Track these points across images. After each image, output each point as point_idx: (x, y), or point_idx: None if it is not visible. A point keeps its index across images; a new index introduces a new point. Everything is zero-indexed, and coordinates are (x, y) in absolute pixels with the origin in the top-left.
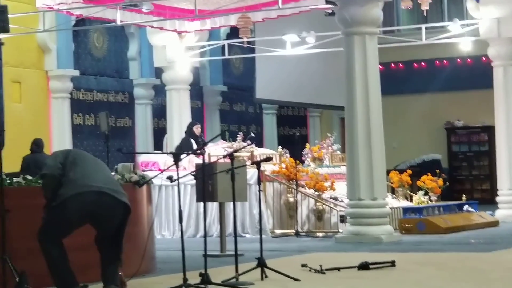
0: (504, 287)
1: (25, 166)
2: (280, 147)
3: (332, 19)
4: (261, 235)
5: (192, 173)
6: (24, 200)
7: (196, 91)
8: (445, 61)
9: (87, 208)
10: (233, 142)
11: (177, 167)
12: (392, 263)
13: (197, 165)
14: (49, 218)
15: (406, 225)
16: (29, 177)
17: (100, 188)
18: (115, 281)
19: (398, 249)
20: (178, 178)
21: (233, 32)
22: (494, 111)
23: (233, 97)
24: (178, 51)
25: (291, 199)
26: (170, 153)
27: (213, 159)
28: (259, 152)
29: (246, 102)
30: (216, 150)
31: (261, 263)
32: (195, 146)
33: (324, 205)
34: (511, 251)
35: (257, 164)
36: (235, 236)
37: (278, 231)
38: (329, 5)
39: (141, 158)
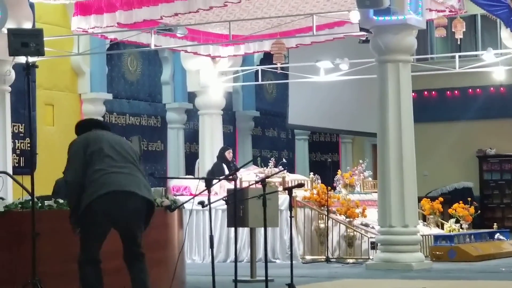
0: None
1: (57, 189)
2: (311, 173)
3: (366, 46)
4: (291, 261)
5: (224, 198)
6: (55, 224)
7: (229, 116)
8: (478, 90)
9: (111, 210)
10: (265, 168)
11: (209, 192)
12: None
13: (229, 190)
14: (81, 230)
15: (437, 252)
16: (61, 201)
17: (122, 187)
18: None
19: (429, 277)
20: (210, 203)
21: (267, 58)
22: None
23: (265, 122)
24: (211, 76)
25: (322, 225)
26: (202, 178)
27: (244, 185)
28: (291, 178)
29: (279, 128)
30: (248, 176)
31: None
32: (227, 171)
33: (355, 232)
34: None
35: (289, 190)
36: (266, 261)
37: (308, 257)
38: (363, 32)
39: (172, 183)
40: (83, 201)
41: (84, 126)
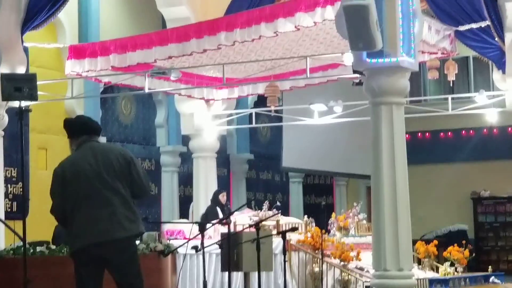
0: None
1: (57, 234)
2: (306, 216)
3: (359, 89)
4: None
5: (217, 243)
6: (47, 270)
7: (223, 159)
8: (471, 131)
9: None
10: (259, 211)
11: (202, 236)
12: None
13: (223, 234)
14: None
15: None
16: (53, 247)
17: (100, 239)
18: None
19: None
20: (203, 247)
21: (261, 100)
22: None
23: (259, 165)
24: (205, 119)
25: (317, 269)
26: (195, 222)
27: (239, 228)
28: (285, 221)
29: (273, 171)
30: (242, 219)
31: None
32: (220, 215)
33: (349, 276)
34: None
35: (283, 234)
36: None
37: None
38: (356, 75)
39: (166, 227)
40: (68, 243)
41: (73, 130)
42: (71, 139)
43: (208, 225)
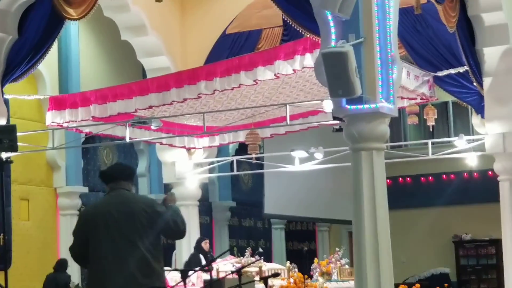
0: None
1: (46, 284)
2: (288, 261)
3: (339, 135)
4: None
5: None
6: None
7: (205, 207)
8: (452, 175)
9: None
10: (241, 258)
11: (185, 284)
12: None
13: (205, 281)
14: None
15: None
16: None
17: None
18: None
19: None
20: None
21: (242, 148)
22: (501, 225)
23: (242, 212)
24: (187, 167)
25: None
26: (178, 269)
27: (221, 275)
28: (268, 267)
29: (255, 217)
30: (225, 266)
31: None
32: (204, 262)
33: None
34: None
35: (265, 279)
36: None
37: None
38: (336, 121)
39: None
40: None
41: (104, 178)
42: (106, 187)
43: (190, 272)
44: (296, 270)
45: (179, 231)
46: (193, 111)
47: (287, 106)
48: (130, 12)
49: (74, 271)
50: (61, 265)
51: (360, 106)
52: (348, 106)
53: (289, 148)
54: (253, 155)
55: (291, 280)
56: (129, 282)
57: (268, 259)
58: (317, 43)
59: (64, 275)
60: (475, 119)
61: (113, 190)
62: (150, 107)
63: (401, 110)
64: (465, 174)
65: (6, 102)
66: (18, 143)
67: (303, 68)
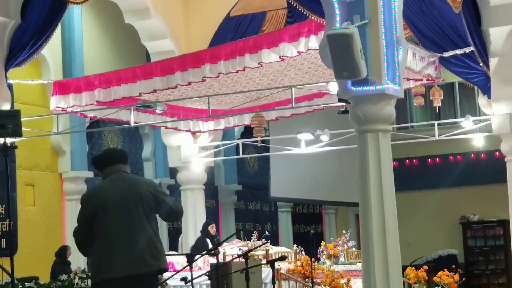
0: None
1: (55, 269)
2: (295, 245)
3: (345, 117)
4: None
5: (207, 274)
6: None
7: (211, 191)
8: (458, 157)
9: None
10: (248, 241)
11: (191, 268)
12: None
13: (212, 265)
14: None
15: None
16: (41, 282)
17: (127, 272)
18: None
19: None
20: (192, 279)
21: (247, 131)
22: (508, 206)
23: (248, 196)
24: (192, 151)
25: None
26: (184, 254)
27: (228, 259)
28: (274, 251)
29: (261, 201)
30: (231, 250)
31: None
32: (210, 246)
33: None
34: None
35: (272, 263)
36: None
37: None
38: (342, 103)
39: None
40: (91, 273)
41: (97, 165)
42: (100, 172)
43: (197, 256)
44: (303, 253)
45: (180, 212)
46: (197, 94)
47: (292, 88)
48: None
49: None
50: (60, 253)
51: (365, 88)
52: (353, 88)
53: (294, 130)
54: (259, 138)
55: (298, 263)
56: (138, 263)
57: (275, 242)
58: (321, 25)
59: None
60: (481, 100)
61: (112, 173)
62: (155, 90)
63: (407, 92)
64: (472, 155)
65: (10, 87)
66: (23, 128)
67: (308, 50)
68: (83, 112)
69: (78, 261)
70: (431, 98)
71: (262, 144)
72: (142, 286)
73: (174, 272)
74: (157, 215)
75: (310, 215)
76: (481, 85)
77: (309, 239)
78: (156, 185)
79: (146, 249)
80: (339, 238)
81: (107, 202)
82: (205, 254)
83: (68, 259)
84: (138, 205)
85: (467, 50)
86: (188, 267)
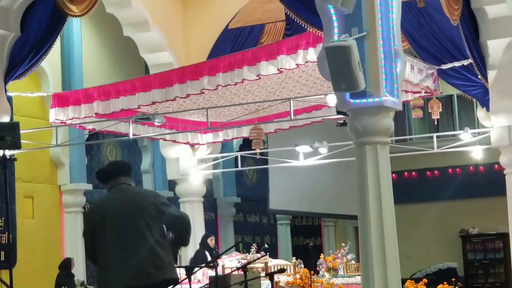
0: None
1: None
2: (294, 257)
3: (344, 129)
4: None
5: (206, 286)
6: None
7: (210, 203)
8: (457, 169)
9: None
10: (247, 254)
11: (189, 280)
12: None
13: (211, 278)
14: None
15: None
16: None
17: (126, 284)
18: None
19: None
20: None
21: (246, 143)
22: (508, 218)
23: (246, 208)
24: (191, 164)
25: None
26: (183, 266)
27: (227, 271)
28: (273, 263)
29: (260, 213)
30: (230, 262)
31: None
32: (209, 259)
33: None
34: None
35: (271, 275)
36: None
37: None
38: (340, 116)
39: None
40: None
41: (101, 179)
42: (105, 185)
43: (196, 269)
44: (302, 265)
45: (185, 218)
46: (196, 106)
47: (291, 100)
48: (132, 8)
49: (80, 268)
50: (64, 265)
51: (364, 100)
52: (352, 100)
53: (293, 143)
54: (257, 151)
55: (297, 276)
56: (139, 274)
57: (274, 255)
58: (320, 37)
59: (68, 275)
60: (480, 112)
61: (115, 186)
62: (153, 103)
63: (405, 104)
64: (471, 167)
65: (9, 99)
66: (22, 141)
67: (306, 62)
68: (82, 125)
69: (77, 273)
70: (429, 111)
71: (260, 156)
72: None
73: (173, 285)
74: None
75: (309, 227)
76: (480, 98)
77: (308, 252)
78: (159, 195)
79: (147, 260)
80: (338, 250)
81: (105, 216)
82: (204, 266)
83: (72, 271)
84: (138, 217)
85: (465, 62)
86: (187, 280)
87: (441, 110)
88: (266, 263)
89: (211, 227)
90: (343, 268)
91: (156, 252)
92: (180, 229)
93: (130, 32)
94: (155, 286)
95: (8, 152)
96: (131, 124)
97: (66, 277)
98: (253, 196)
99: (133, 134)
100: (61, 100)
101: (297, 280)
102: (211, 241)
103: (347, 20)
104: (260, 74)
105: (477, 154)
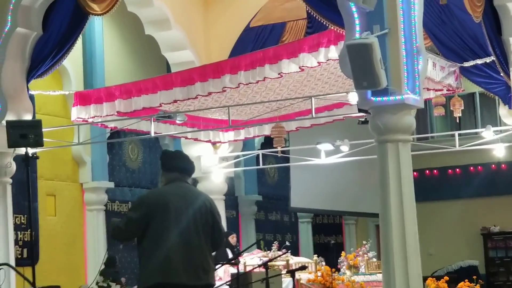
0: None
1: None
2: (315, 255)
3: (365, 127)
4: None
5: (227, 283)
6: None
7: (231, 201)
8: (479, 167)
9: None
10: (268, 251)
11: None
12: None
13: (232, 275)
14: None
15: None
16: None
17: (183, 280)
18: None
19: None
20: None
21: (267, 142)
22: None
23: (268, 206)
24: (212, 162)
25: None
26: None
27: (248, 269)
28: (295, 261)
29: (281, 211)
30: (252, 260)
31: None
32: (230, 256)
33: None
34: None
35: (292, 272)
36: None
37: None
38: (362, 113)
39: None
40: (141, 275)
41: (167, 164)
42: (162, 171)
43: (217, 266)
44: (323, 263)
45: (222, 241)
46: (217, 104)
47: (312, 98)
48: (153, 7)
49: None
50: (109, 261)
51: (385, 98)
52: (373, 98)
53: (314, 141)
54: (279, 149)
55: (318, 273)
56: (193, 274)
57: (295, 253)
58: (341, 35)
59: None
60: (502, 110)
61: (176, 180)
62: (175, 101)
63: (427, 102)
64: (493, 165)
65: (32, 98)
66: (44, 139)
67: (328, 60)
68: (104, 123)
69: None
70: (451, 108)
71: (282, 154)
72: None
73: None
74: None
75: (330, 225)
76: (502, 95)
77: (329, 250)
78: (214, 203)
79: (199, 262)
80: (359, 248)
81: (168, 206)
82: (226, 264)
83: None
84: (198, 217)
85: (487, 59)
86: None
87: (463, 108)
88: (287, 261)
89: (233, 225)
90: (364, 266)
91: (206, 256)
92: (218, 245)
93: (151, 30)
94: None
95: (30, 150)
96: (152, 122)
97: (113, 274)
98: (275, 194)
99: (155, 132)
100: (83, 99)
101: (318, 277)
102: (232, 239)
103: (368, 18)
104: (281, 72)
105: (499, 152)
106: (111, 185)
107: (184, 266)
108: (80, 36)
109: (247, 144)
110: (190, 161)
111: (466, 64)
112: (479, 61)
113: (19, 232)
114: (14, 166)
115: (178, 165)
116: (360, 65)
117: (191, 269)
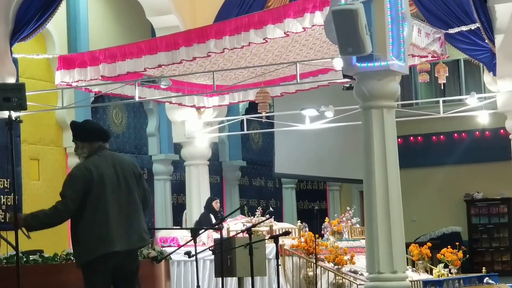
0: None
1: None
2: (299, 221)
3: (350, 93)
4: None
5: (210, 248)
6: (41, 279)
7: (215, 167)
8: (463, 134)
9: (111, 271)
10: (252, 217)
11: (195, 242)
12: None
13: (216, 240)
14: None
15: None
16: (46, 255)
17: (127, 246)
18: None
19: None
20: (196, 253)
21: (252, 107)
22: None
23: (252, 172)
24: (196, 127)
25: (311, 273)
26: (188, 228)
27: (232, 234)
28: (278, 227)
29: (265, 177)
30: (235, 225)
31: None
32: (214, 221)
33: (344, 279)
34: None
35: (276, 238)
36: None
37: None
38: (346, 79)
39: (160, 234)
40: (84, 251)
41: (87, 135)
42: (83, 143)
43: (201, 231)
44: (307, 229)
45: (150, 201)
46: (202, 69)
47: (297, 64)
48: None
49: None
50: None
51: (370, 64)
52: (358, 64)
53: (299, 106)
54: (263, 114)
55: (302, 239)
56: (138, 237)
57: (279, 218)
58: (326, 1)
59: None
60: (486, 77)
61: (102, 149)
62: (159, 66)
63: (411, 68)
64: (477, 132)
65: (15, 61)
66: (28, 103)
67: (313, 26)
68: (88, 87)
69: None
70: (436, 75)
71: (266, 120)
72: (133, 259)
73: (178, 247)
74: None
75: (314, 191)
76: (487, 62)
77: (313, 216)
78: (138, 166)
79: (141, 225)
80: (343, 214)
81: (103, 178)
82: (209, 228)
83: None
84: (130, 182)
85: (472, 26)
86: (192, 242)
87: (447, 74)
88: (271, 226)
89: (216, 190)
90: (348, 232)
91: (143, 218)
92: (148, 204)
93: None
94: (141, 249)
95: (14, 114)
96: (137, 86)
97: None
98: (259, 160)
99: (139, 97)
100: (66, 63)
101: (302, 243)
102: (216, 204)
103: None
104: (266, 38)
105: (483, 118)
106: None
107: (127, 233)
108: None
109: (231, 109)
110: (105, 129)
111: (451, 31)
112: (464, 28)
113: (2, 196)
114: None
115: (101, 134)
116: (345, 31)
117: (135, 234)
